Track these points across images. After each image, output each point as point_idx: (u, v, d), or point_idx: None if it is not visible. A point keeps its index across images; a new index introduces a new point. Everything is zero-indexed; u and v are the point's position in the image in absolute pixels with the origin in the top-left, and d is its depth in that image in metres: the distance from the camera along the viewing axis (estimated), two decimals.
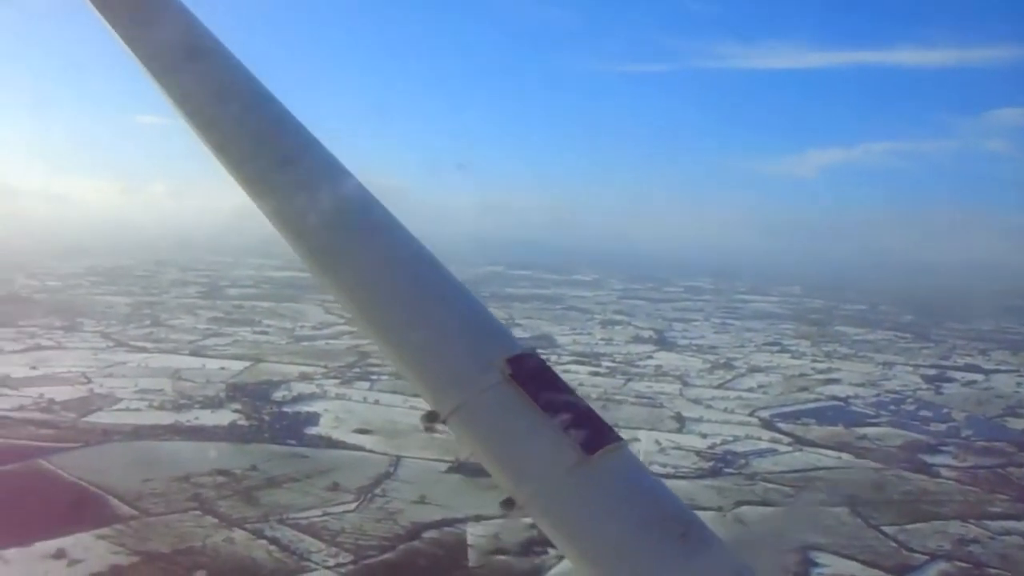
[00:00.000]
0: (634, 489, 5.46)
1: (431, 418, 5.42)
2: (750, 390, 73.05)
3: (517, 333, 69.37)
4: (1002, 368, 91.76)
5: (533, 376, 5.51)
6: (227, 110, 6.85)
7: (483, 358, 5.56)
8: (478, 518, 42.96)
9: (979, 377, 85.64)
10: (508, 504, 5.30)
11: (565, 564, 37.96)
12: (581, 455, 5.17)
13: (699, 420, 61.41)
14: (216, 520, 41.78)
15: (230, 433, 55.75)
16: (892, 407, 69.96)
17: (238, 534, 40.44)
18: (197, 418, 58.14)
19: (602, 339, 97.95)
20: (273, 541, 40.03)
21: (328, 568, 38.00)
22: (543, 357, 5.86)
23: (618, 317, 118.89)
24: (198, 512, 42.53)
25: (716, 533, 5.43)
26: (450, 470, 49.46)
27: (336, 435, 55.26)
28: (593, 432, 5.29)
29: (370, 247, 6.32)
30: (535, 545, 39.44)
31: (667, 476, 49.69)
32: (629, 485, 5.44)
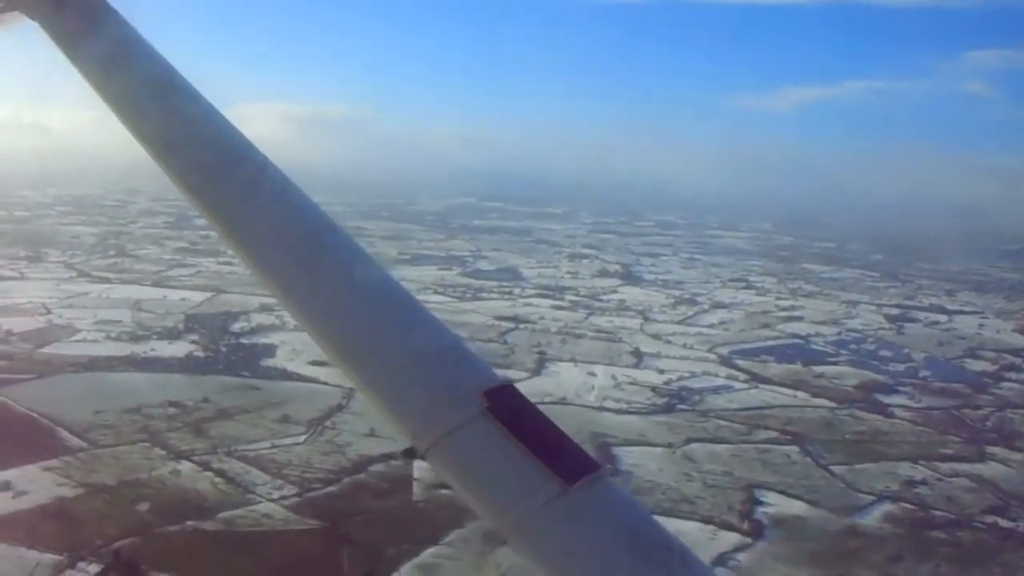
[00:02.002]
0: (615, 517, 5.39)
1: (409, 454, 5.27)
2: (711, 326, 72.93)
3: (483, 265, 69.93)
4: (966, 309, 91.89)
5: (510, 408, 5.46)
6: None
7: (460, 391, 5.48)
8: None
9: (942, 318, 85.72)
10: (491, 537, 5.32)
11: None
12: (561, 485, 5.12)
13: (657, 356, 61.26)
14: (164, 452, 41.51)
15: (185, 364, 55.42)
16: (852, 346, 69.91)
17: (185, 466, 40.18)
18: (153, 349, 57.74)
19: (568, 272, 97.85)
20: (219, 473, 39.78)
21: (271, 501, 37.73)
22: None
23: (586, 251, 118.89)
24: (147, 444, 42.26)
25: (700, 560, 5.18)
26: None
27: (291, 367, 54.88)
28: (572, 462, 5.32)
29: (340, 281, 6.18)
30: None
31: (621, 411, 49.65)
32: (610, 513, 5.38)
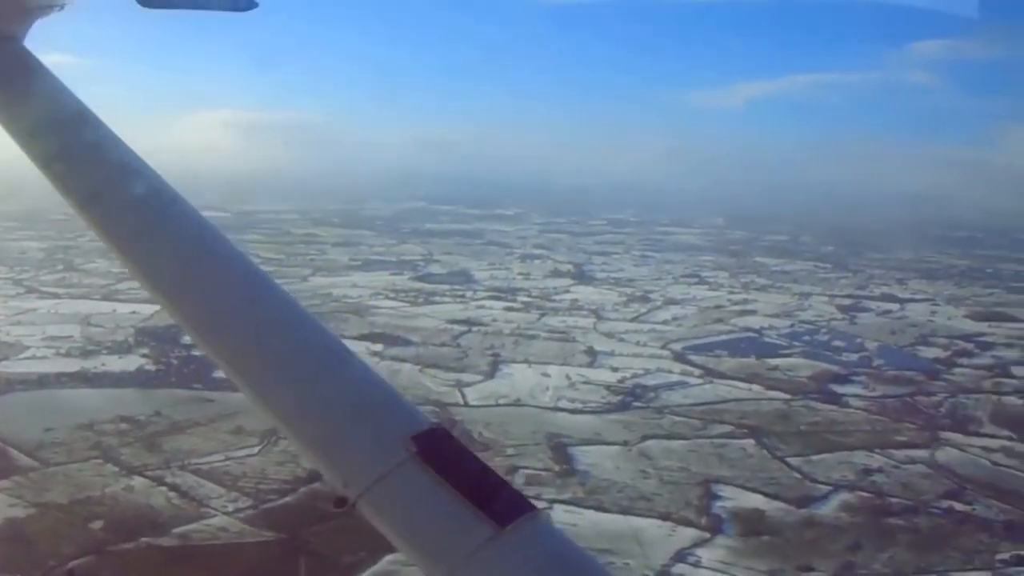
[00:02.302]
0: (552, 559, 5.15)
1: (340, 504, 5.07)
2: (664, 323, 72.75)
3: (435, 269, 69.51)
4: (917, 297, 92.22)
5: (440, 451, 5.24)
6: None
7: (388, 437, 5.26)
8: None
9: (894, 307, 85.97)
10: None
11: None
12: (494, 528, 4.89)
13: (611, 354, 61.03)
14: (117, 468, 40.96)
15: (136, 378, 54.79)
16: (806, 337, 69.99)
17: (138, 482, 39.66)
18: (104, 364, 57.05)
19: (520, 274, 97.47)
20: (173, 488, 39.28)
21: (226, 514, 37.32)
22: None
23: (537, 251, 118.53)
24: (99, 460, 41.67)
25: None
26: None
27: None
28: (506, 504, 5.06)
29: (264, 326, 5.90)
30: None
31: (576, 411, 49.44)
32: (547, 555, 5.15)
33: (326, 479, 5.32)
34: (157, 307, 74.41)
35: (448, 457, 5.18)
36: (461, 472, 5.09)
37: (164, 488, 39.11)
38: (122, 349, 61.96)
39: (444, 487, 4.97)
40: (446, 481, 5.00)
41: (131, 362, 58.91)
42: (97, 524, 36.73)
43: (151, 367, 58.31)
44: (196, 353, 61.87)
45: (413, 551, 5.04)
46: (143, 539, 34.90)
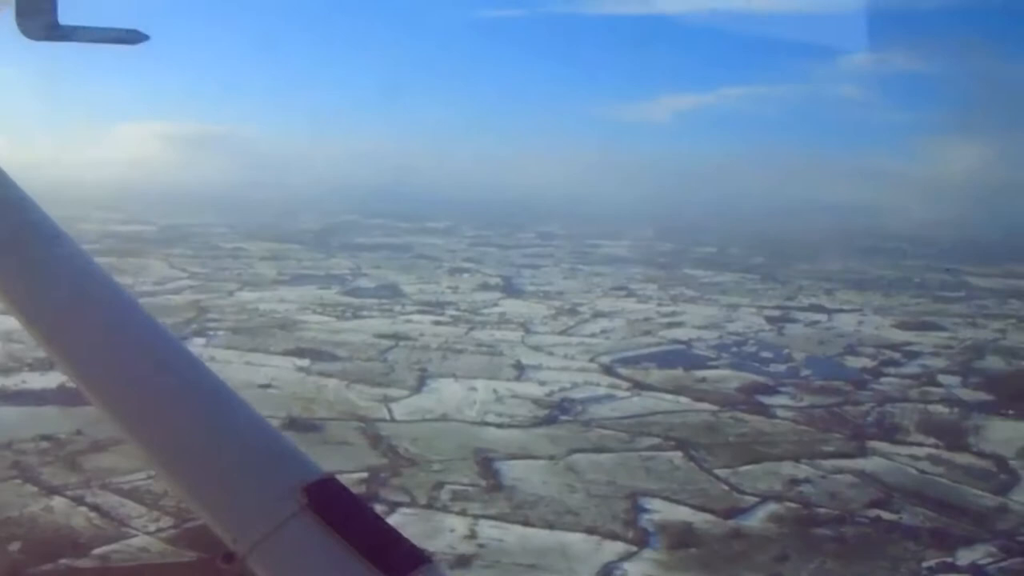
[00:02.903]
0: None
1: (229, 559, 4.69)
2: (593, 336, 72.39)
3: (363, 283, 68.88)
4: (845, 307, 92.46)
5: (332, 502, 4.92)
6: None
7: (278, 488, 4.93)
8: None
9: (822, 317, 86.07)
10: None
11: (390, 520, 37.07)
12: None
13: (539, 367, 60.54)
14: (36, 488, 39.63)
15: (58, 396, 53.38)
16: (734, 349, 69.82)
17: (58, 502, 38.41)
18: (24, 382, 55.63)
19: (448, 287, 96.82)
20: (94, 508, 38.02)
21: (148, 533, 36.34)
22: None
23: (467, 265, 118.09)
24: (18, 481, 40.36)
25: None
26: (281, 427, 47.95)
27: None
28: (400, 556, 4.82)
29: (148, 371, 5.47)
30: (371, 502, 38.48)
31: (503, 425, 48.81)
32: None
33: (216, 533, 4.98)
34: None
35: (340, 509, 4.98)
36: (354, 524, 4.91)
37: (84, 508, 37.99)
38: (43, 366, 60.34)
39: (336, 540, 4.79)
40: (338, 534, 4.78)
41: (52, 379, 57.43)
42: (15, 546, 35.75)
43: (72, 384, 56.57)
44: None
45: None
46: (62, 560, 34.01)
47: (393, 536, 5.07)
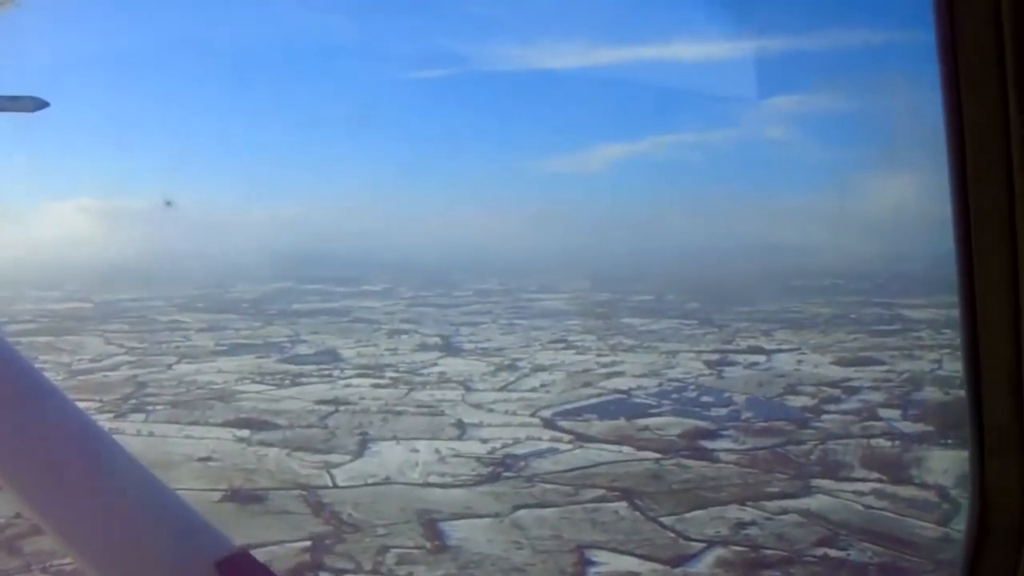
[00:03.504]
0: None
1: None
2: (533, 390, 72.20)
3: (301, 350, 68.46)
4: (784, 348, 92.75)
5: None
6: None
7: (190, 564, 4.58)
8: (247, 547, 41.06)
9: (761, 358, 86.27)
10: None
11: None
12: None
13: (480, 425, 60.27)
14: None
15: None
16: (674, 395, 69.80)
17: None
18: None
19: (387, 349, 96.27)
20: None
21: None
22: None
23: (405, 326, 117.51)
24: None
25: None
26: (223, 499, 47.53)
27: None
28: None
29: (49, 441, 5.25)
30: (306, 570, 38.16)
31: (446, 485, 48.62)
32: None
33: None
34: None
35: None
36: None
37: None
38: None
39: None
40: None
41: None
42: None
43: None
44: None
45: None
46: None
47: None
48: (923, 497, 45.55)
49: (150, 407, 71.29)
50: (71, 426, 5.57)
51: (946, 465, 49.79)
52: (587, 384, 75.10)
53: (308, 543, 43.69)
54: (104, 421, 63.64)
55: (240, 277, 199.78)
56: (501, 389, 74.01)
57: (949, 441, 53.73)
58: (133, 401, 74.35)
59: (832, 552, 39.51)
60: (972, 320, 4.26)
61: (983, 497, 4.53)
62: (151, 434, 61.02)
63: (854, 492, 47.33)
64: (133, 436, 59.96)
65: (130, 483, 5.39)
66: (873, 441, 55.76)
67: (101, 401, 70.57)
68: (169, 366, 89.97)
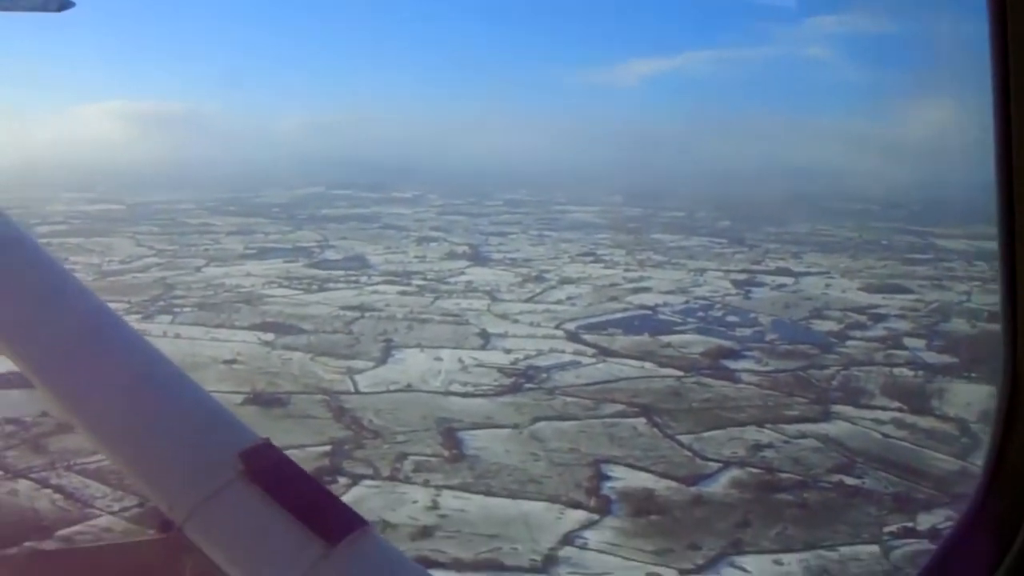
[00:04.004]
0: (384, 573, 4.85)
1: (166, 527, 4.61)
2: (559, 302, 72.23)
3: (330, 255, 68.49)
4: (812, 271, 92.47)
5: (268, 468, 4.79)
6: None
7: (214, 455, 4.80)
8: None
9: (789, 280, 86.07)
10: None
11: (352, 493, 37.05)
12: (324, 547, 4.54)
13: (504, 336, 60.35)
14: (1, 472, 39.87)
15: (23, 379, 52.79)
16: (700, 314, 69.75)
17: (22, 485, 38.57)
18: None
19: (415, 257, 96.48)
20: (58, 489, 38.18)
21: (112, 514, 36.33)
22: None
23: (434, 234, 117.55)
24: None
25: None
26: (246, 402, 47.84)
27: None
28: (336, 520, 4.71)
29: (75, 334, 5.31)
30: (324, 475, 38.37)
31: (467, 395, 48.92)
32: (378, 571, 4.82)
33: (153, 501, 4.92)
34: None
35: (276, 474, 4.82)
36: (290, 489, 4.74)
37: (49, 490, 38.06)
38: None
39: (273, 506, 4.59)
40: (275, 499, 4.66)
41: None
42: None
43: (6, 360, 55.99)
44: None
45: (243, 573, 4.60)
46: (26, 543, 33.99)
47: (330, 501, 5.02)
48: (943, 429, 45.47)
49: (177, 309, 71.50)
50: (99, 324, 5.66)
51: (969, 398, 49.50)
52: (613, 298, 75.01)
53: (328, 447, 44.02)
54: (133, 321, 64.04)
55: (271, 182, 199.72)
56: (527, 300, 73.97)
57: (973, 374, 53.40)
58: (161, 303, 74.32)
59: (847, 479, 39.51)
60: (1011, 254, 4.12)
61: (1007, 431, 4.35)
62: (177, 336, 61.31)
63: (874, 420, 47.33)
64: (159, 337, 60.16)
65: (156, 376, 5.50)
66: (896, 370, 55.65)
67: (129, 302, 70.87)
68: (198, 268, 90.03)
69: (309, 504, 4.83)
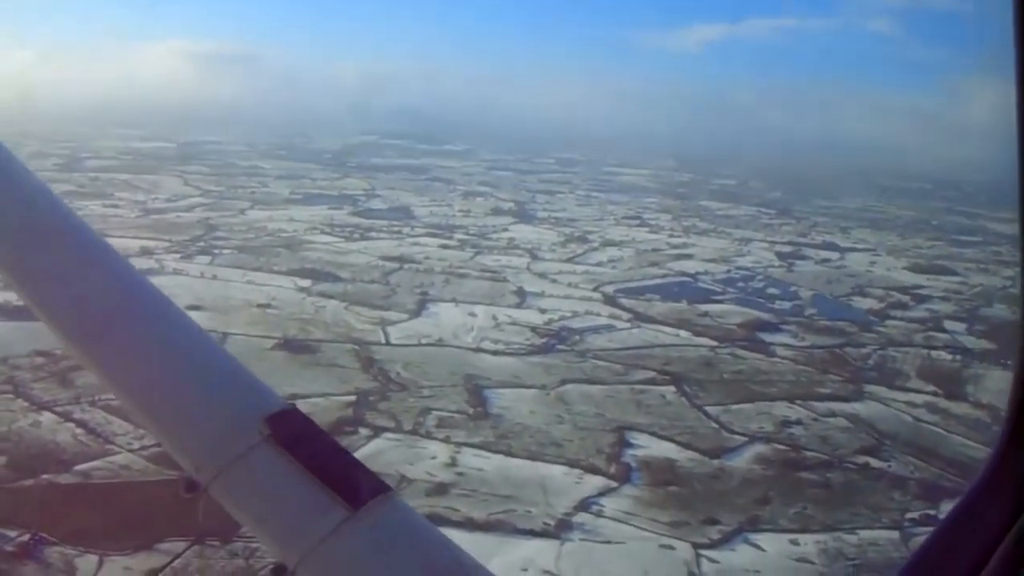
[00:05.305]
0: (406, 539, 5.00)
1: (192, 487, 4.53)
2: (599, 264, 71.94)
3: (375, 204, 68.40)
4: (859, 247, 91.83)
5: (294, 433, 5.06)
6: None
7: (240, 418, 5.10)
8: (293, 397, 41.08)
9: (834, 255, 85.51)
10: (279, 571, 4.79)
11: (372, 446, 36.91)
12: (347, 510, 4.79)
13: (541, 295, 60.13)
14: (26, 403, 39.96)
15: None
16: (740, 284, 69.33)
17: (46, 417, 38.66)
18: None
19: (460, 211, 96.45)
20: (80, 424, 38.21)
21: (131, 451, 36.34)
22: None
23: (482, 188, 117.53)
24: (9, 395, 40.66)
25: None
26: (275, 347, 47.76)
27: None
28: (359, 485, 4.95)
29: (102, 296, 5.26)
30: (346, 425, 38.28)
31: (497, 352, 48.66)
32: (400, 536, 4.99)
33: (180, 463, 4.89)
34: None
35: (302, 439, 4.96)
36: (315, 454, 4.89)
37: (71, 424, 38.12)
38: None
39: (298, 469, 4.81)
40: (300, 463, 4.83)
41: None
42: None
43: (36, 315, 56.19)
44: None
45: (266, 535, 4.90)
46: (44, 476, 34.09)
47: (354, 466, 5.00)
48: (976, 416, 44.72)
49: (217, 250, 71.64)
50: (132, 288, 5.59)
51: (1004, 386, 48.79)
52: (654, 264, 74.54)
53: (353, 398, 43.83)
54: (170, 261, 64.23)
55: (326, 127, 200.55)
56: (568, 260, 73.58)
57: (1010, 362, 52.56)
58: (201, 243, 74.67)
59: (874, 462, 38.90)
60: None
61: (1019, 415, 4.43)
62: (214, 277, 61.46)
63: (906, 403, 46.66)
64: (196, 278, 60.46)
65: (187, 342, 5.43)
66: (934, 352, 54.91)
67: (170, 241, 71.21)
68: (242, 211, 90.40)
69: (333, 469, 4.86)
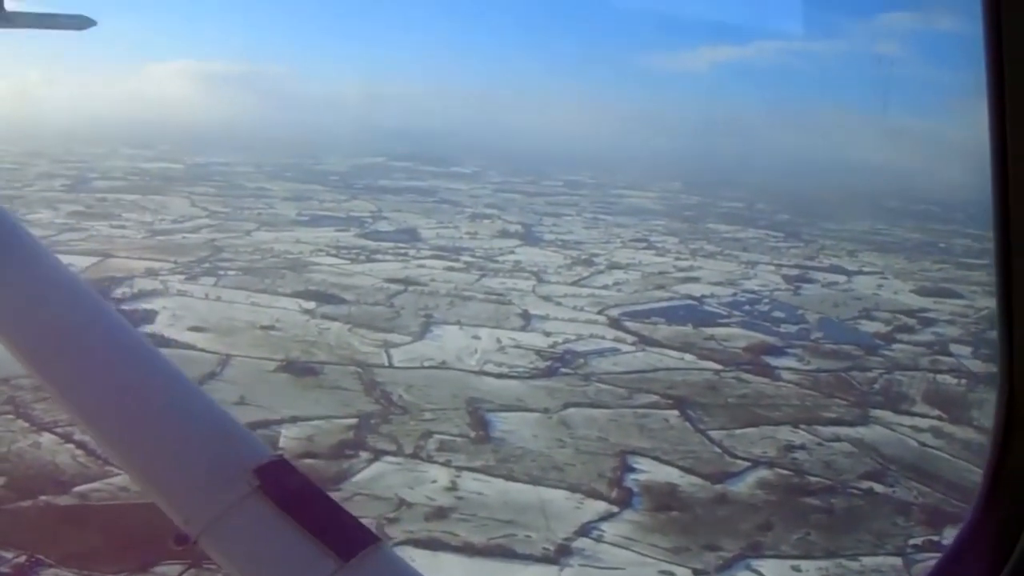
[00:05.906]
0: None
1: (182, 540, 4.38)
2: (605, 288, 71.68)
3: (382, 226, 68.25)
4: (866, 270, 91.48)
5: (282, 484, 4.88)
6: None
7: (229, 470, 4.86)
8: (294, 419, 41.19)
9: (841, 278, 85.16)
10: None
11: (372, 469, 36.80)
12: (337, 562, 4.61)
13: (545, 318, 59.96)
14: (27, 424, 39.99)
15: None
16: (746, 307, 69.01)
17: (46, 438, 38.70)
18: None
19: (467, 233, 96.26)
20: (80, 445, 38.13)
21: None
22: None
23: (489, 211, 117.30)
24: (11, 416, 40.68)
25: None
26: (278, 369, 47.73)
27: (169, 333, 52.50)
28: (349, 537, 4.79)
29: (91, 348, 5.15)
30: (347, 448, 38.22)
31: (501, 376, 48.57)
32: None
33: (168, 515, 4.75)
34: (95, 259, 73.72)
35: (291, 490, 4.77)
36: (304, 505, 4.72)
37: (71, 445, 38.08)
38: None
39: (287, 521, 4.62)
40: (289, 515, 4.64)
41: None
42: None
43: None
44: (125, 307, 60.22)
45: None
46: (42, 497, 34.11)
47: (343, 517, 4.88)
48: (981, 441, 44.23)
49: (222, 271, 71.42)
50: (118, 336, 5.48)
51: None
52: (660, 287, 74.21)
53: (354, 420, 43.84)
54: (174, 282, 64.24)
55: (333, 150, 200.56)
56: (573, 283, 73.27)
57: None
58: (206, 265, 74.41)
59: (877, 487, 38.75)
60: (1007, 261, 4.00)
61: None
62: (219, 298, 61.39)
63: (912, 427, 46.43)
64: (200, 299, 60.47)
65: (174, 391, 5.29)
66: (940, 377, 54.67)
67: (175, 262, 71.13)
68: (248, 232, 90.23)
69: (323, 520, 4.73)
